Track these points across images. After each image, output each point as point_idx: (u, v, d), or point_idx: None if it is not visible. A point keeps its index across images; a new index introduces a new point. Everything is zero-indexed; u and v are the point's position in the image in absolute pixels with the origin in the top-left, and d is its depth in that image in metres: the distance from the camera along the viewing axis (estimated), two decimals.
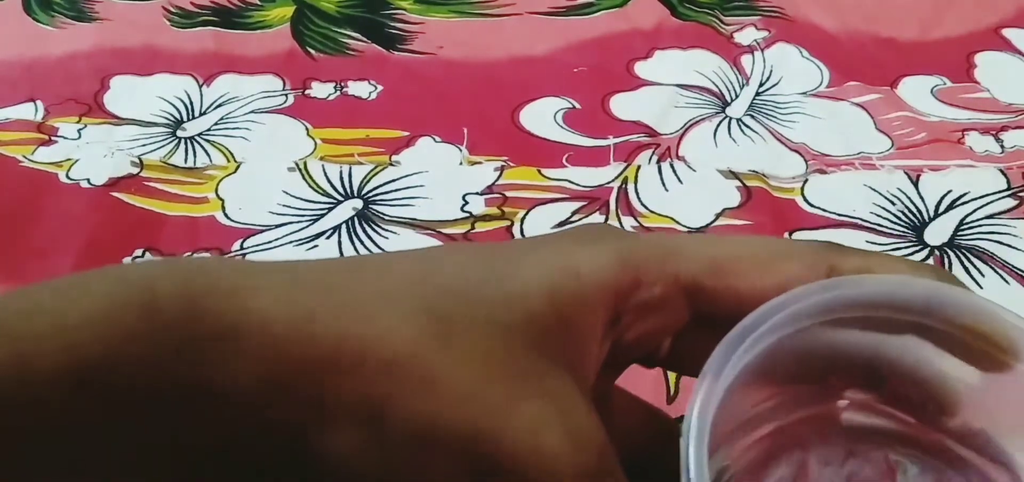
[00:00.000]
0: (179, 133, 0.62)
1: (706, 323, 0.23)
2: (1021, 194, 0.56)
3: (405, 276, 0.22)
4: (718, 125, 0.62)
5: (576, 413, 0.21)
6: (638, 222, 0.54)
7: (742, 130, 0.62)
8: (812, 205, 0.55)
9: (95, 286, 0.20)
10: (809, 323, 0.22)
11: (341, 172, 0.58)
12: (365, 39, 0.73)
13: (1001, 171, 0.57)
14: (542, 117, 0.64)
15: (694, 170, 0.58)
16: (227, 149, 0.61)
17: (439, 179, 0.58)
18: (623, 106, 0.65)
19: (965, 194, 0.56)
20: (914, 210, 0.55)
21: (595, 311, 0.23)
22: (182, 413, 0.20)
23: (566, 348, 0.22)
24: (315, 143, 0.61)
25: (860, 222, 0.54)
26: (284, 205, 0.56)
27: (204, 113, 0.65)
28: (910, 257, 0.52)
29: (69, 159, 0.60)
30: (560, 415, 0.21)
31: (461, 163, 0.60)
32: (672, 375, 0.45)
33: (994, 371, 0.22)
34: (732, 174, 0.58)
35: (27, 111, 0.64)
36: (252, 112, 0.65)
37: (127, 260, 0.52)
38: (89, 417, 0.19)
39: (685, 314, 0.24)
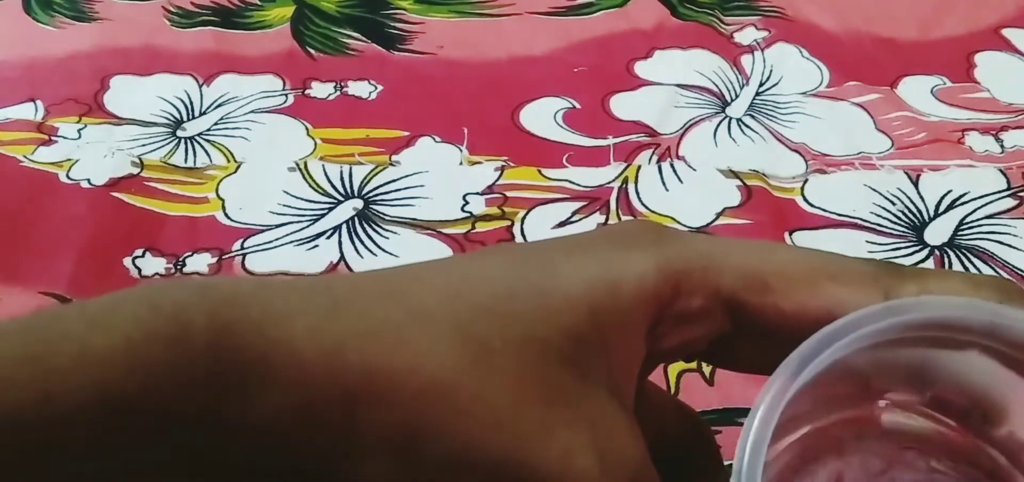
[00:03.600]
0: (179, 133, 0.62)
1: (748, 331, 0.23)
2: (1021, 194, 0.56)
3: (436, 294, 0.22)
4: (718, 125, 0.62)
5: (613, 437, 0.21)
6: None
7: (742, 130, 0.62)
8: (812, 205, 0.55)
9: (123, 312, 0.20)
10: (867, 345, 0.21)
11: (341, 172, 0.58)
12: (365, 39, 0.73)
13: (1001, 171, 0.57)
14: (542, 117, 0.64)
15: (694, 170, 0.58)
16: (227, 149, 0.61)
17: (439, 179, 0.58)
18: (623, 106, 0.65)
19: (965, 194, 0.56)
20: (914, 210, 0.55)
21: (635, 325, 0.22)
22: (212, 445, 0.20)
23: (606, 365, 0.22)
24: (315, 143, 0.61)
25: (860, 222, 0.54)
26: (284, 205, 0.56)
27: (204, 113, 0.65)
28: (910, 257, 0.52)
29: (69, 159, 0.60)
30: (595, 441, 0.21)
31: (461, 163, 0.60)
32: (673, 375, 0.45)
33: None
34: (732, 173, 0.58)
35: (27, 111, 0.64)
36: (252, 112, 0.65)
37: (127, 260, 0.52)
38: (116, 448, 0.19)
39: (726, 324, 0.23)
